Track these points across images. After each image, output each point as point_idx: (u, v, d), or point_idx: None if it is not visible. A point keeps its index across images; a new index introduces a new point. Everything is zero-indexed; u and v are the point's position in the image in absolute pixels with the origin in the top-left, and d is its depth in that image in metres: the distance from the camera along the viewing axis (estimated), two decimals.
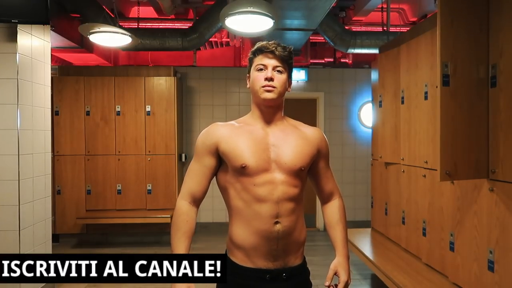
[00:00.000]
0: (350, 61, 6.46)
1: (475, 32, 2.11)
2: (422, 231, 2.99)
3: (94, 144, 4.96)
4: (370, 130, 4.67)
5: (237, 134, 1.37)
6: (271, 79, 1.34)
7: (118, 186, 4.99)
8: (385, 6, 4.87)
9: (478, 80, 2.12)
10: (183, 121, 5.66)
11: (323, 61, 6.41)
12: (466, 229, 2.37)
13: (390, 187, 3.62)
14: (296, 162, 1.36)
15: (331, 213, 1.51)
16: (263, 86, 1.35)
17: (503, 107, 2.02)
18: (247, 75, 1.45)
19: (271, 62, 1.36)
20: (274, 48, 1.36)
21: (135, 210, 4.99)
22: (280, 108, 1.43)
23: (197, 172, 1.40)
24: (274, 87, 1.35)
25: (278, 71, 1.37)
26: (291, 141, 1.39)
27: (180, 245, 1.36)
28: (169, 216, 4.78)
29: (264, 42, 1.39)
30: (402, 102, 3.31)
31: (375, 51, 4.84)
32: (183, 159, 5.43)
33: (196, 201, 1.40)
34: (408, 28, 4.36)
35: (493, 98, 2.10)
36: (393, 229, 3.55)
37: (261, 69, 1.37)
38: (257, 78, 1.37)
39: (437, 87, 2.06)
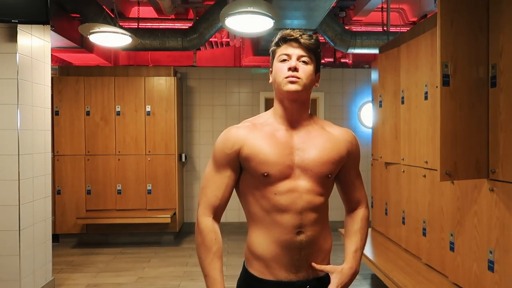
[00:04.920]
0: (350, 61, 6.46)
1: (475, 32, 2.11)
2: (422, 231, 2.99)
3: (94, 144, 4.96)
4: (370, 130, 4.67)
5: (258, 138, 1.22)
6: (295, 69, 1.19)
7: (118, 186, 4.99)
8: (385, 6, 4.87)
9: (478, 80, 2.12)
10: (183, 121, 5.66)
11: (323, 61, 6.42)
12: (466, 229, 2.37)
13: (390, 187, 3.62)
14: (322, 168, 1.22)
15: (351, 223, 1.35)
16: (287, 77, 1.19)
17: (503, 107, 2.02)
18: (270, 69, 1.29)
19: (296, 52, 1.20)
20: (298, 36, 1.20)
21: (135, 210, 4.99)
22: (306, 105, 1.27)
23: (218, 185, 1.24)
24: (298, 77, 1.19)
25: (304, 61, 1.21)
26: (317, 145, 1.24)
27: (213, 270, 1.20)
28: (169, 216, 4.78)
29: (288, 30, 1.23)
30: (402, 102, 3.31)
31: (375, 51, 4.84)
32: (183, 159, 5.43)
33: (218, 216, 1.27)
34: (408, 28, 4.36)
35: (493, 98, 2.10)
36: (393, 229, 3.55)
37: (284, 60, 1.21)
38: (280, 69, 1.21)
39: (437, 87, 2.06)
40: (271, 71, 1.28)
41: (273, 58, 1.27)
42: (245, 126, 1.27)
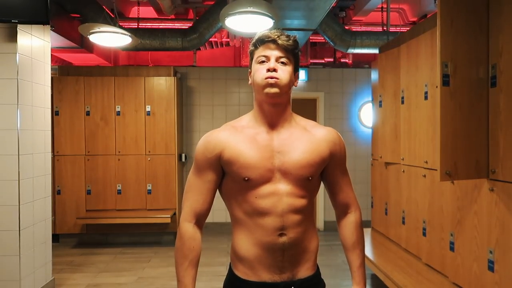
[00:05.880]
0: (350, 61, 6.46)
1: (475, 32, 2.11)
2: (422, 231, 2.99)
3: (94, 144, 4.96)
4: (370, 130, 4.67)
5: (239, 141, 1.22)
6: (274, 70, 1.18)
7: (118, 186, 4.99)
8: (385, 6, 4.87)
9: (478, 80, 2.12)
10: (183, 121, 5.66)
11: (323, 61, 6.41)
12: (466, 229, 2.37)
13: (390, 187, 3.62)
14: (302, 172, 1.21)
15: (347, 234, 1.34)
16: (266, 78, 1.18)
17: (503, 107, 2.02)
18: (249, 70, 1.28)
19: (274, 53, 1.20)
20: (276, 37, 1.20)
21: (135, 210, 4.99)
22: (286, 106, 1.26)
23: (200, 189, 1.25)
24: (277, 78, 1.18)
25: (282, 62, 1.21)
26: (298, 147, 1.22)
27: (187, 277, 1.22)
28: (169, 216, 4.78)
29: (266, 31, 1.23)
30: (402, 102, 3.31)
31: (375, 51, 4.84)
32: (183, 159, 5.43)
33: (201, 221, 1.28)
34: (408, 28, 4.36)
35: (493, 98, 2.10)
36: (393, 229, 3.55)
37: (263, 61, 1.21)
38: (259, 71, 1.21)
39: (437, 87, 2.06)
40: (250, 72, 1.27)
41: (252, 59, 1.26)
42: (226, 129, 1.26)
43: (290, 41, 1.22)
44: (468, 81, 2.10)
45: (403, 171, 3.32)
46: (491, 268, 2.13)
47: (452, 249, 2.54)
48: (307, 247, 1.26)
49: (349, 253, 1.33)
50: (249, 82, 1.28)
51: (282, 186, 1.20)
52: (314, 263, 1.30)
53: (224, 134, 1.24)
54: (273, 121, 1.24)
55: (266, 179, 1.20)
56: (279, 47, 1.20)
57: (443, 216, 2.67)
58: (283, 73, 1.20)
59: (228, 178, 1.24)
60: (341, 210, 1.36)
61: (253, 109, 1.30)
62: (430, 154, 2.85)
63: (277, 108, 1.23)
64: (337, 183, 1.33)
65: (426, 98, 2.90)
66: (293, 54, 1.24)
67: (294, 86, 1.27)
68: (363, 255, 1.33)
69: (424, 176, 2.95)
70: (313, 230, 1.29)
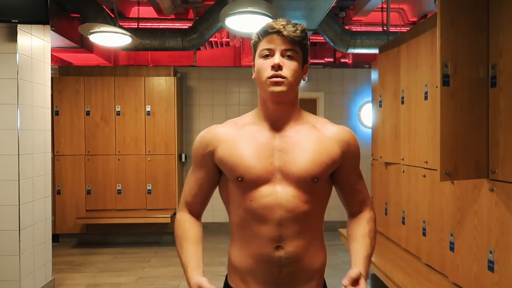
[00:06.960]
0: (350, 61, 6.46)
1: (475, 32, 2.11)
2: (422, 231, 2.99)
3: (94, 144, 4.96)
4: (370, 130, 4.67)
5: (237, 138, 1.12)
6: (279, 67, 1.05)
7: (118, 186, 4.99)
8: (385, 6, 4.87)
9: (478, 80, 2.12)
10: (183, 121, 5.66)
11: (323, 61, 6.41)
12: (466, 229, 2.37)
13: (390, 187, 3.62)
14: (306, 172, 1.06)
15: (357, 226, 1.18)
16: (270, 77, 1.06)
17: (503, 107, 2.02)
18: (253, 63, 1.15)
19: (279, 46, 1.07)
20: (281, 28, 1.06)
21: (135, 210, 4.99)
22: (293, 103, 1.14)
23: (192, 184, 1.21)
24: (283, 77, 1.06)
25: (289, 56, 1.07)
26: (304, 145, 1.09)
27: (183, 253, 1.13)
28: (169, 216, 4.78)
29: (271, 21, 1.09)
30: (402, 102, 3.31)
31: (375, 51, 4.84)
32: (183, 159, 5.43)
33: (193, 211, 1.22)
34: (408, 28, 4.36)
35: (493, 98, 2.10)
36: (393, 229, 3.55)
37: (267, 55, 1.08)
38: (263, 67, 1.08)
39: (437, 87, 2.06)
40: (254, 66, 1.14)
41: (255, 52, 1.13)
42: (225, 125, 1.18)
43: (298, 31, 1.08)
44: (468, 81, 2.10)
45: (403, 171, 3.31)
46: (491, 268, 2.13)
47: (452, 249, 2.54)
48: (309, 264, 1.11)
49: (355, 243, 1.14)
50: (253, 76, 1.15)
51: (282, 189, 1.07)
52: (319, 283, 1.15)
53: (221, 131, 1.16)
54: (277, 119, 1.13)
55: (264, 180, 1.07)
56: (285, 38, 1.06)
57: (443, 216, 2.67)
58: (289, 70, 1.07)
59: (224, 178, 1.16)
60: (355, 211, 1.23)
61: (258, 106, 1.19)
62: (430, 154, 2.85)
63: (282, 105, 1.12)
64: (352, 186, 1.19)
65: (426, 98, 2.90)
66: (301, 46, 1.10)
67: (302, 80, 1.15)
68: (371, 251, 1.13)
69: (424, 176, 2.95)
70: (319, 245, 1.15)
